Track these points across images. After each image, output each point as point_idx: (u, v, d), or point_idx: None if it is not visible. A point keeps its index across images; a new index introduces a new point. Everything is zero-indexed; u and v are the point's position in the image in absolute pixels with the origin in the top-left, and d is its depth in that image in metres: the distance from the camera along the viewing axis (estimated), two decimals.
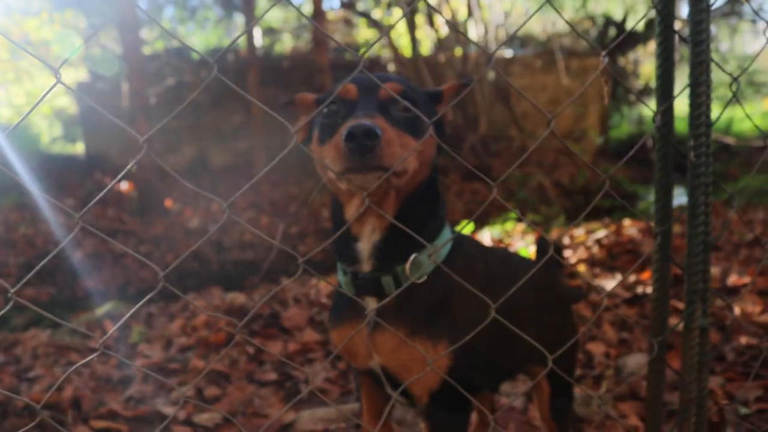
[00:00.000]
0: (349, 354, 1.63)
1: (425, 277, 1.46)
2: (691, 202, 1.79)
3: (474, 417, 2.55)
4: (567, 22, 1.59)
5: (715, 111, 1.79)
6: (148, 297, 0.98)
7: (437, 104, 1.57)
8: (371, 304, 1.50)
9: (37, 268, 0.89)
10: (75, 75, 13.95)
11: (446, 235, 1.55)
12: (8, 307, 0.91)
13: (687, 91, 1.77)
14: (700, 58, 1.74)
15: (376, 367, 1.56)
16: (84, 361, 1.03)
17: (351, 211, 1.46)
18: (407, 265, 1.44)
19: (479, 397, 2.36)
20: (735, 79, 1.99)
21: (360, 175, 1.28)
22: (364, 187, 1.29)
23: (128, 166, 1.06)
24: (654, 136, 1.86)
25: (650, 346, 1.90)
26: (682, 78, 1.69)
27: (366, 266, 1.49)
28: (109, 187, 1.11)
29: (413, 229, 1.38)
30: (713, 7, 1.78)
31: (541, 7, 1.57)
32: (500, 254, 1.90)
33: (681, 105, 1.86)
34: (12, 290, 0.92)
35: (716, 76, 1.78)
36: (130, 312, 0.96)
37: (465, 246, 1.63)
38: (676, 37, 1.83)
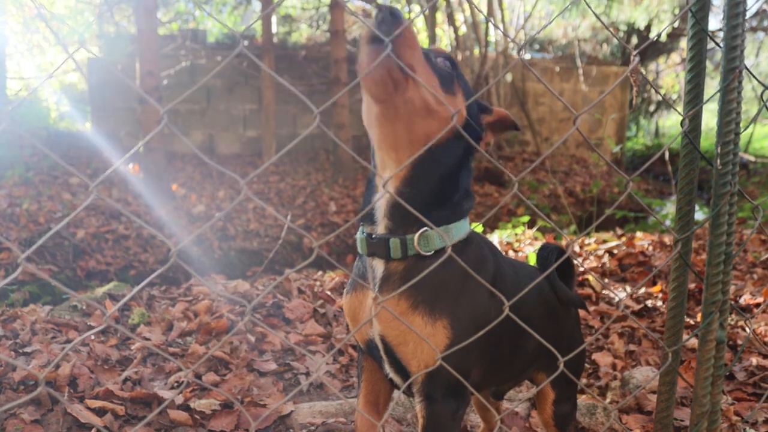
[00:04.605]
0: (353, 320, 1.67)
1: (432, 252, 1.49)
2: (714, 211, 1.74)
3: (482, 425, 2.52)
4: (605, 25, 1.53)
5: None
6: (161, 270, 0.93)
7: (484, 113, 1.69)
8: (378, 266, 1.55)
9: (51, 233, 0.84)
10: (87, 51, 13.84)
11: (463, 224, 1.58)
12: (18, 272, 0.87)
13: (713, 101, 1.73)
14: (734, 65, 1.69)
15: (375, 337, 1.58)
16: (88, 333, 0.99)
17: (375, 133, 1.50)
18: (416, 236, 1.49)
19: (484, 405, 2.34)
20: (767, 88, 1.94)
21: (376, 51, 1.31)
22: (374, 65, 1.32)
23: (148, 137, 1.01)
24: (680, 142, 1.82)
25: (663, 356, 1.84)
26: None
27: (381, 228, 1.53)
28: (121, 161, 1.06)
29: (427, 203, 1.48)
30: (747, 16, 1.73)
31: (563, 11, 1.54)
32: (513, 262, 1.91)
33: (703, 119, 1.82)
34: (23, 256, 0.87)
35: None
36: (146, 281, 0.92)
37: (480, 243, 1.66)
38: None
